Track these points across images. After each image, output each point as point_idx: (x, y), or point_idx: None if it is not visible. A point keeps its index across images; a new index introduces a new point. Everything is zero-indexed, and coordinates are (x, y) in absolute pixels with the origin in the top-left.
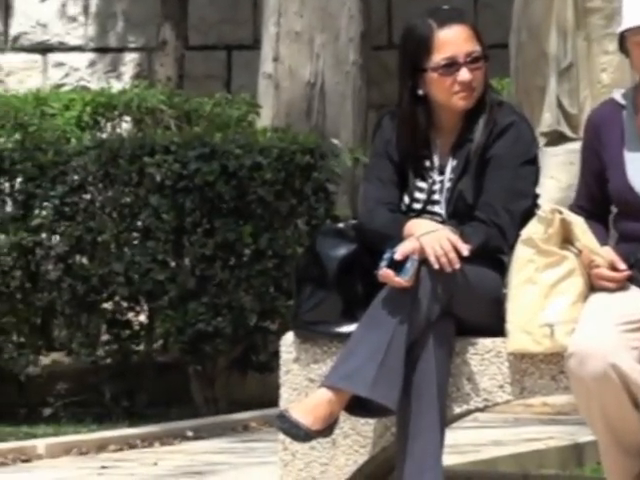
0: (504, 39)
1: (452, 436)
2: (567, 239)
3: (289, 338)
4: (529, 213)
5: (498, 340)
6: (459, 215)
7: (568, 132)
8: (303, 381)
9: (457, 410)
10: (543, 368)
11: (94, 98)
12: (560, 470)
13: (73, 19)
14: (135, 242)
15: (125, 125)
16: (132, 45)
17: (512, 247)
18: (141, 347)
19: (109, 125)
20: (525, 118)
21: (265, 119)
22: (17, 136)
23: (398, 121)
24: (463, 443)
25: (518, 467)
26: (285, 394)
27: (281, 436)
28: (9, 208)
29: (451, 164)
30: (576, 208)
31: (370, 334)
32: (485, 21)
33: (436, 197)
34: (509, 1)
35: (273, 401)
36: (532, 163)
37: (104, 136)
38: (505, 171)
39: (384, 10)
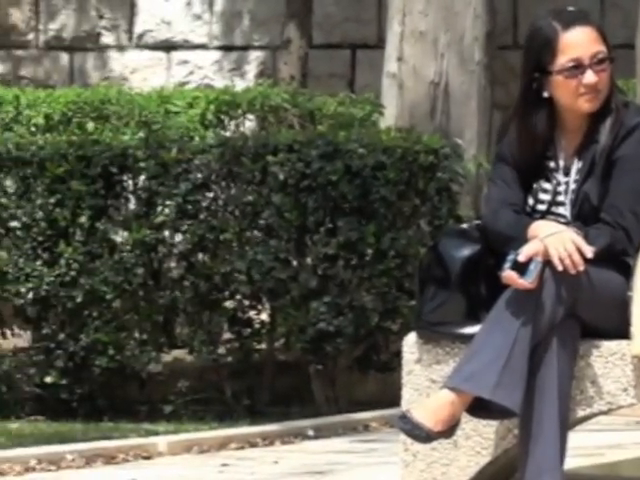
0: (631, 39)
1: (574, 438)
2: None
3: (411, 338)
4: None
5: (623, 343)
6: (584, 217)
7: None
8: (425, 382)
9: (580, 413)
10: None
11: (218, 96)
12: None
13: (198, 17)
14: (257, 241)
15: (249, 123)
16: (256, 43)
17: (638, 249)
18: (262, 345)
19: (233, 123)
20: None
21: (389, 119)
22: (141, 134)
23: (521, 123)
24: (585, 446)
25: None
26: (407, 395)
27: (402, 437)
28: (132, 205)
29: (576, 166)
30: None
31: (493, 336)
32: (612, 21)
33: (561, 198)
34: (636, 1)
35: (393, 401)
36: None
37: (228, 134)
38: (631, 173)
39: (510, 10)
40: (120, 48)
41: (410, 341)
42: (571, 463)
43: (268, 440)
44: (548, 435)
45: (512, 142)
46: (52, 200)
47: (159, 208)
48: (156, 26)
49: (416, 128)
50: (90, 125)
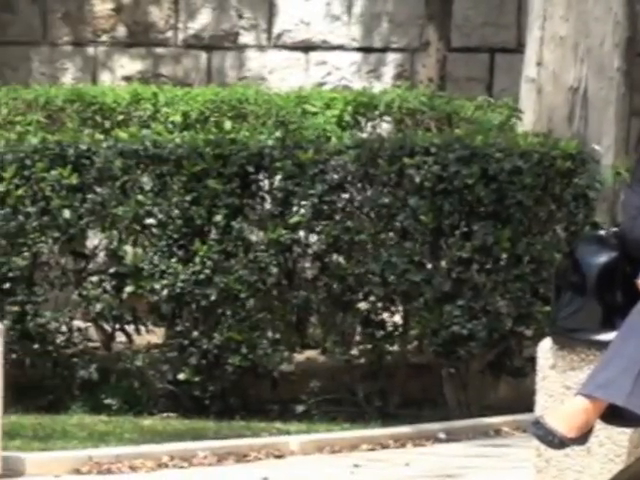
0: None
1: None
2: None
3: (546, 344)
4: None
5: None
6: None
7: None
8: (559, 388)
9: None
10: None
11: (355, 98)
12: None
13: (337, 18)
14: (392, 243)
15: (385, 125)
16: (394, 45)
17: None
18: (395, 348)
19: (369, 125)
20: None
21: (527, 123)
22: (278, 134)
23: None
24: None
25: None
26: (541, 400)
27: (535, 442)
28: (268, 205)
29: None
30: None
31: (628, 343)
32: None
33: None
34: None
35: (525, 406)
36: None
37: (364, 136)
38: None
39: None
40: (259, 48)
41: (545, 347)
42: None
43: (399, 442)
44: None
45: None
46: (188, 198)
47: (294, 208)
48: (295, 26)
49: (554, 133)
50: (227, 124)
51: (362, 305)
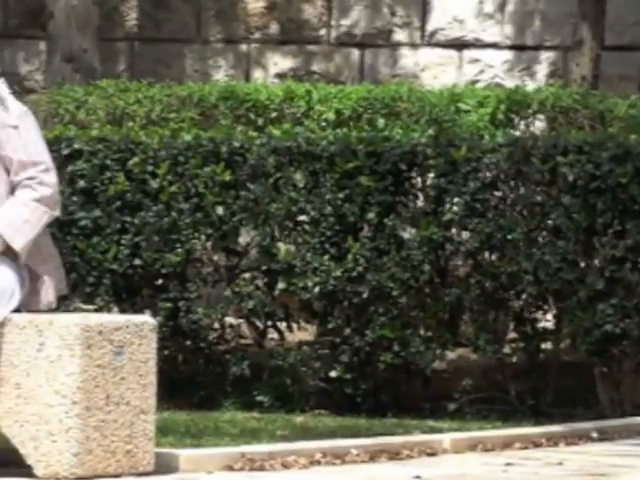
0: None
1: None
2: None
3: None
4: None
5: None
6: None
7: None
8: None
9: None
10: None
11: (509, 96)
12: None
13: (490, 16)
14: (545, 241)
15: (538, 123)
16: (547, 44)
17: None
18: (548, 346)
19: (522, 123)
20: None
21: None
22: (431, 131)
23: None
24: None
25: None
26: None
27: None
28: (420, 203)
29: None
30: None
31: None
32: None
33: None
34: None
35: None
36: None
37: (517, 134)
38: None
39: None
40: (412, 46)
41: None
42: None
43: (552, 441)
44: None
45: None
46: (341, 195)
47: (447, 206)
48: (448, 24)
49: None
50: (380, 122)
51: (515, 303)
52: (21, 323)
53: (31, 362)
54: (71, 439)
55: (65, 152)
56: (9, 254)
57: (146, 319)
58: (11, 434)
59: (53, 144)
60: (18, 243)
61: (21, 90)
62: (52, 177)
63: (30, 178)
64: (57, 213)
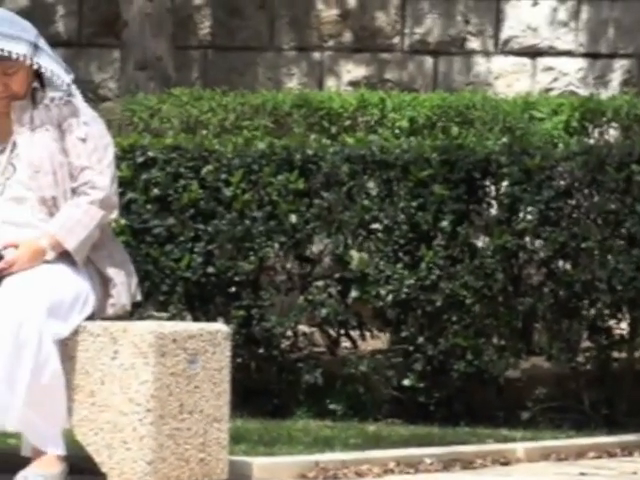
0: None
1: None
2: None
3: None
4: None
5: None
6: None
7: None
8: None
9: None
10: None
11: (583, 103)
12: None
13: (564, 24)
14: (620, 249)
15: (612, 132)
16: (622, 51)
17: None
18: (622, 355)
19: (597, 131)
20: None
21: None
22: (504, 140)
23: None
24: None
25: None
26: None
27: None
28: (494, 211)
29: None
30: None
31: None
32: None
33: None
34: None
35: None
36: None
37: (591, 142)
38: None
39: None
40: (485, 53)
41: None
42: None
43: (627, 450)
44: None
45: None
46: (414, 204)
47: (521, 214)
48: (522, 32)
49: None
50: (454, 130)
51: (588, 312)
52: (95, 331)
53: (105, 370)
54: (145, 447)
55: (139, 160)
56: (73, 260)
57: (220, 327)
58: (86, 442)
59: (127, 152)
60: (70, 243)
61: (95, 98)
62: (105, 180)
63: (84, 183)
64: (113, 216)
